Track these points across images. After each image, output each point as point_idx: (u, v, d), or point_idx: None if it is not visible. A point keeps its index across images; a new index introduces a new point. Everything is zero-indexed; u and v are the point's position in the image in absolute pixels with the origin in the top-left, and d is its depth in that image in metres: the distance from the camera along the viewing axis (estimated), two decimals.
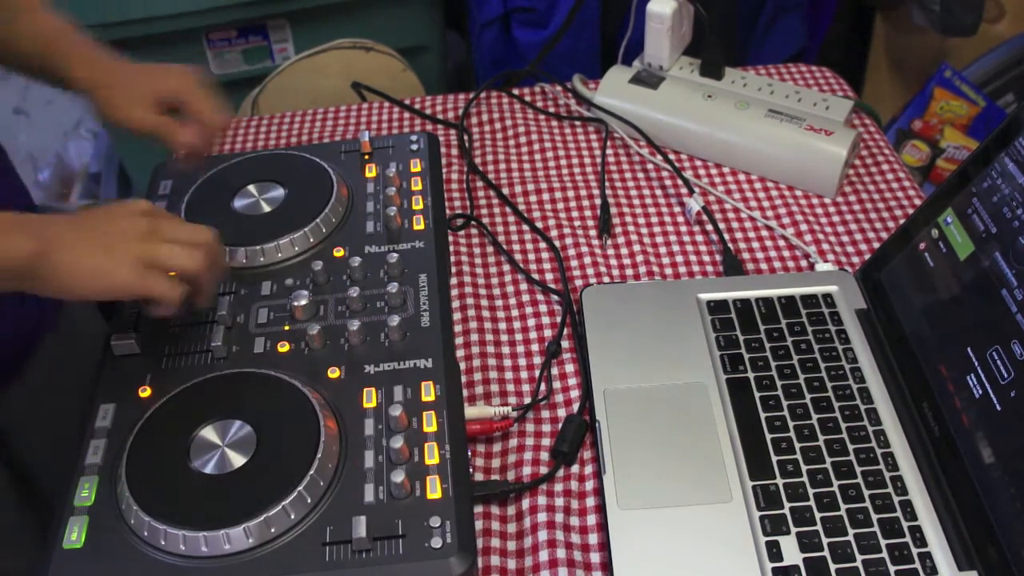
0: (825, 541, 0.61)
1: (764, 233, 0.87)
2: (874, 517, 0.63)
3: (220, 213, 0.80)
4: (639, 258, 0.85)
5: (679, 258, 0.86)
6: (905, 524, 0.62)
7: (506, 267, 0.85)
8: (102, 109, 0.76)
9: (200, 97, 0.76)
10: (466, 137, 0.99)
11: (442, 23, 1.54)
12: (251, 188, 0.82)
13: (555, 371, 0.76)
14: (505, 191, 0.93)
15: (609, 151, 0.98)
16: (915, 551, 0.61)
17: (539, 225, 0.89)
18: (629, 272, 0.84)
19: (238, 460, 0.62)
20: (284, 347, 0.70)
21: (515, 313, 0.81)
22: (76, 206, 1.64)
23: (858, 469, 0.65)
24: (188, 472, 0.61)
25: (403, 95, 1.07)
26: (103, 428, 0.65)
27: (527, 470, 0.69)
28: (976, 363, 0.63)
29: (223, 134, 0.84)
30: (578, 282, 0.83)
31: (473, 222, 0.90)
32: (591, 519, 0.66)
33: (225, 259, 0.74)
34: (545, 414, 0.73)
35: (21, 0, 0.78)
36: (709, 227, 0.88)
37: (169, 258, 0.64)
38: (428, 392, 0.66)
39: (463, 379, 0.74)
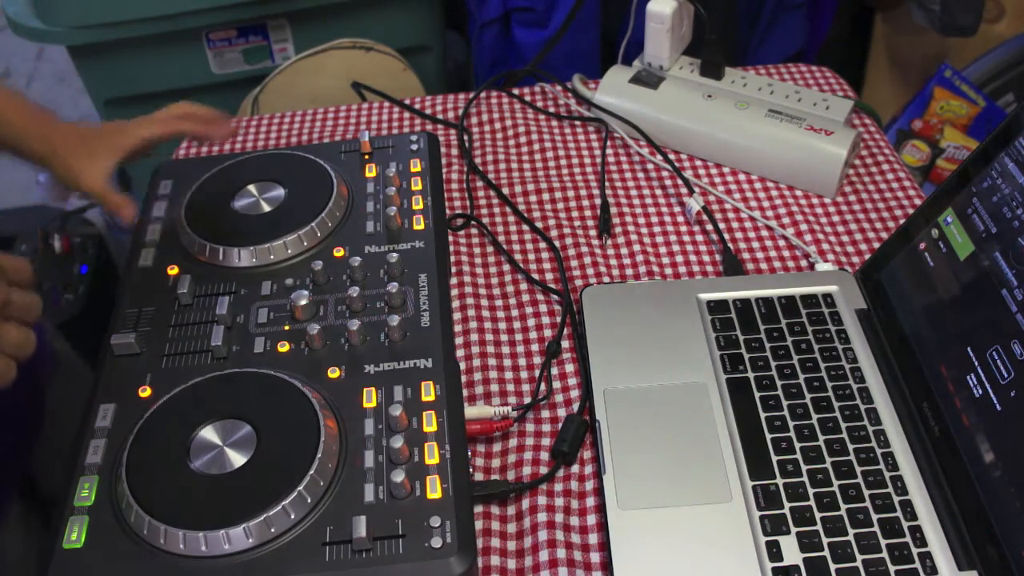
0: (825, 541, 0.61)
1: (764, 233, 0.87)
2: (874, 517, 0.63)
3: (220, 213, 0.80)
4: (639, 258, 0.85)
5: (679, 258, 0.86)
6: (905, 524, 0.62)
7: (506, 267, 0.85)
8: (59, 177, 0.76)
9: (177, 121, 0.79)
10: (466, 137, 0.99)
11: (442, 23, 1.54)
12: (251, 188, 0.82)
13: (555, 371, 0.76)
14: (505, 191, 0.93)
15: (609, 151, 0.98)
16: (915, 551, 0.61)
17: (539, 225, 0.89)
18: (629, 272, 0.84)
19: (238, 460, 0.62)
20: (284, 347, 0.70)
21: (515, 313, 0.81)
22: (77, 205, 1.64)
23: (858, 469, 0.65)
24: (188, 472, 0.61)
25: (403, 95, 1.07)
26: (103, 428, 0.65)
27: (527, 470, 0.69)
28: (976, 363, 0.63)
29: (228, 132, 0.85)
30: (578, 282, 0.83)
31: (473, 222, 0.90)
32: (591, 519, 0.66)
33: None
34: (545, 414, 0.73)
35: None
36: (709, 227, 0.88)
37: (10, 344, 0.60)
38: (428, 392, 0.66)
39: (463, 379, 0.74)
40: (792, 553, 0.61)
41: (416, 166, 0.85)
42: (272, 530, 0.58)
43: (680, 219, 0.89)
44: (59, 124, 0.77)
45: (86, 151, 0.76)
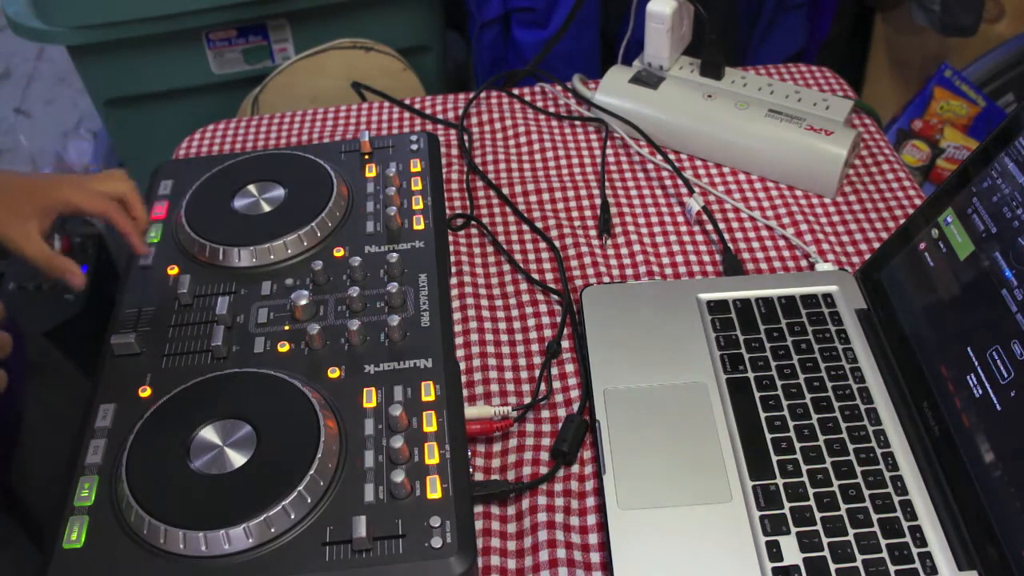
0: (825, 541, 0.61)
1: (764, 233, 0.87)
2: (874, 517, 0.63)
3: (220, 213, 0.80)
4: (639, 258, 0.85)
5: (679, 258, 0.86)
6: (905, 524, 0.62)
7: (506, 267, 0.85)
8: None
9: (107, 208, 0.72)
10: (466, 137, 0.99)
11: (442, 23, 1.54)
12: (251, 188, 0.82)
13: (555, 371, 0.76)
14: (505, 191, 0.93)
15: (609, 151, 0.98)
16: (915, 551, 0.61)
17: (539, 225, 0.89)
18: (629, 272, 0.84)
19: (238, 460, 0.62)
20: (284, 347, 0.70)
21: (515, 313, 0.81)
22: None
23: (858, 469, 0.65)
24: (188, 472, 0.61)
25: (403, 95, 1.07)
26: (103, 428, 0.65)
27: (527, 470, 0.69)
28: (976, 363, 0.63)
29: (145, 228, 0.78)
30: (578, 282, 0.83)
31: (473, 222, 0.90)
32: (591, 519, 0.66)
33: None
34: (545, 414, 0.73)
35: None
36: (709, 227, 0.88)
37: None
38: (428, 392, 0.66)
39: (463, 379, 0.74)
40: (792, 553, 0.61)
41: (416, 166, 0.85)
42: (272, 530, 0.58)
43: (680, 219, 0.89)
44: None
45: (11, 209, 0.69)
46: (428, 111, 1.04)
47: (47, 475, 0.65)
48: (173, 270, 0.77)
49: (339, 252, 0.77)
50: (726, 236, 0.87)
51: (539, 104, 1.05)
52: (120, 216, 0.73)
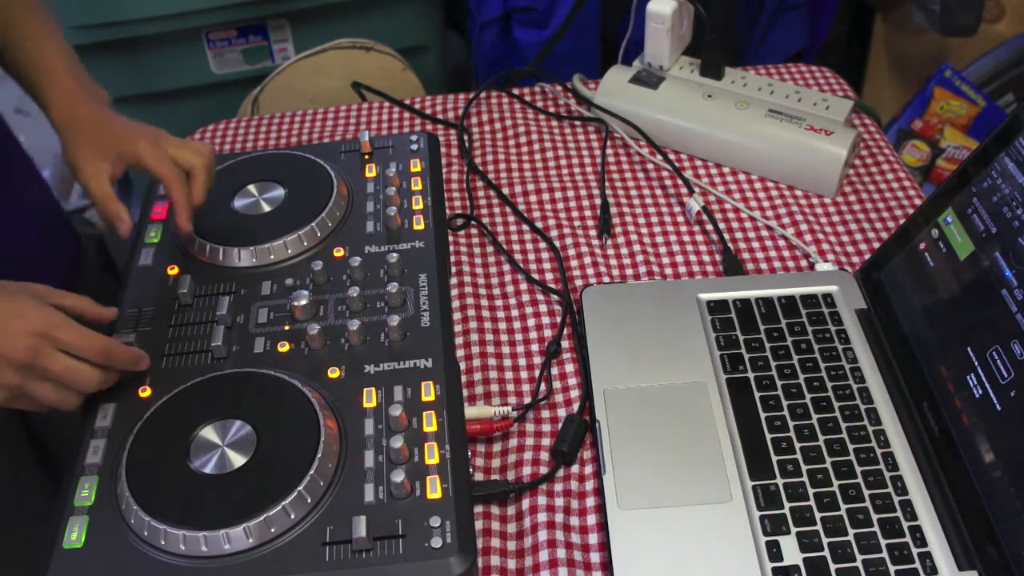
0: (825, 541, 0.61)
1: (764, 233, 0.87)
2: (874, 517, 0.63)
3: (220, 213, 0.80)
4: (639, 258, 0.85)
5: (679, 258, 0.86)
6: (905, 524, 0.62)
7: (506, 267, 0.85)
8: (65, 153, 0.73)
9: (169, 174, 0.73)
10: (466, 137, 0.99)
11: (442, 23, 1.54)
12: (251, 188, 0.82)
13: (555, 371, 0.76)
14: (505, 191, 0.93)
15: (609, 151, 0.98)
16: (915, 551, 0.61)
17: (539, 225, 0.89)
18: (629, 272, 0.84)
19: (238, 460, 0.62)
20: (284, 347, 0.70)
21: (515, 313, 0.81)
22: (77, 205, 1.64)
23: (858, 469, 0.65)
24: (188, 472, 0.61)
25: (403, 95, 1.07)
26: (103, 428, 0.65)
27: (527, 470, 0.69)
28: (976, 363, 0.63)
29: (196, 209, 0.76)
30: (578, 282, 0.83)
31: (473, 222, 0.90)
32: (591, 519, 0.66)
33: (131, 356, 0.66)
34: (545, 414, 0.73)
35: (27, 30, 0.76)
36: (709, 227, 0.88)
37: (44, 399, 0.61)
38: (428, 392, 0.66)
39: (463, 379, 0.74)
40: (792, 553, 0.61)
41: (416, 166, 0.85)
42: (272, 530, 0.58)
43: (680, 219, 0.89)
44: (88, 104, 0.74)
45: (94, 145, 0.72)
46: (428, 111, 1.04)
47: (65, 415, 0.66)
48: (173, 270, 0.77)
49: (339, 252, 0.77)
50: (726, 236, 0.87)
51: (539, 104, 1.05)
52: (177, 187, 0.73)
